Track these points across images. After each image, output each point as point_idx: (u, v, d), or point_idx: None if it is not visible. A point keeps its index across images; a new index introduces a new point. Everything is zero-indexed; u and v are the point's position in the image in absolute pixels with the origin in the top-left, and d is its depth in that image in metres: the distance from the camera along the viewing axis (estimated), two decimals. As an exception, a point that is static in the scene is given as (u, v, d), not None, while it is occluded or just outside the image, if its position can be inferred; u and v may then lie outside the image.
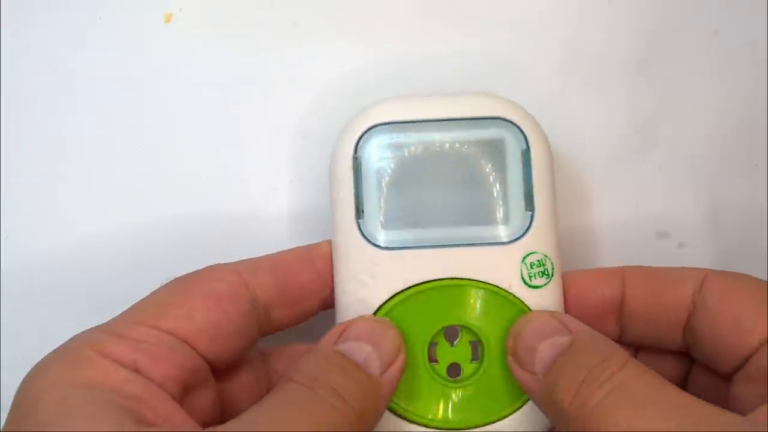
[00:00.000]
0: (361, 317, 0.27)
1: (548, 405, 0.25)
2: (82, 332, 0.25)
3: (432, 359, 0.27)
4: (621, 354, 0.24)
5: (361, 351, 0.25)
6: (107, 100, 0.33)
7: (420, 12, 0.33)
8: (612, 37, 0.33)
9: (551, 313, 0.26)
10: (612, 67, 0.33)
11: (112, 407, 0.22)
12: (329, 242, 0.28)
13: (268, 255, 0.27)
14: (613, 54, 0.33)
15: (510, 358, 0.26)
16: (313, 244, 0.28)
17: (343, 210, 0.28)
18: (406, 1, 0.33)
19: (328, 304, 0.28)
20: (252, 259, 0.27)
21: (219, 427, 0.22)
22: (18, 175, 0.32)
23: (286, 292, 0.27)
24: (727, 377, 0.26)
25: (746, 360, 0.25)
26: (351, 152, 0.28)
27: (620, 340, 0.28)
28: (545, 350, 0.25)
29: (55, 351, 0.24)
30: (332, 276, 0.28)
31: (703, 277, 0.26)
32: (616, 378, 0.23)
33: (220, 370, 0.26)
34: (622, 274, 0.28)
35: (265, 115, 0.33)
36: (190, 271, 0.27)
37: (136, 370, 0.23)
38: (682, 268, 0.27)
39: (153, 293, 0.26)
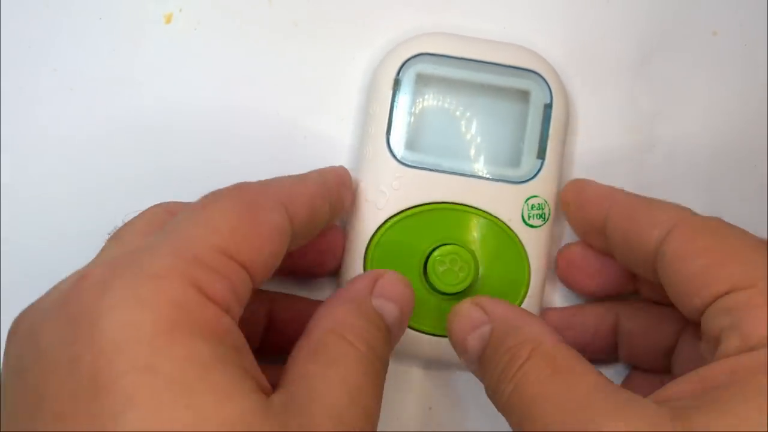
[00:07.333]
0: (395, 274, 0.27)
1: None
2: (146, 249, 0.22)
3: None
4: (529, 343, 0.24)
5: (392, 313, 0.26)
6: (107, 100, 0.33)
7: (419, 14, 0.33)
8: (611, 37, 0.34)
9: (474, 302, 0.27)
10: (611, 67, 0.33)
11: (240, 370, 0.21)
12: (337, 173, 0.29)
13: (296, 183, 0.27)
14: (612, 54, 0.33)
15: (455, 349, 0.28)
16: (322, 176, 0.28)
17: (376, 124, 0.30)
18: (405, 2, 0.33)
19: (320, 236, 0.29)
20: (283, 185, 0.26)
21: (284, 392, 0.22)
22: (18, 175, 0.32)
23: (309, 226, 0.26)
24: None
25: (699, 318, 0.25)
26: (394, 74, 0.30)
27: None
28: (473, 343, 0.26)
29: (132, 276, 0.20)
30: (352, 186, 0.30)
31: (672, 225, 0.26)
32: (519, 374, 0.24)
33: None
34: (612, 200, 0.29)
35: (265, 115, 0.33)
36: (231, 187, 0.25)
37: (227, 313, 0.22)
38: (662, 207, 0.27)
39: (212, 206, 0.24)
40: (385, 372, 0.25)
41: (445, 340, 0.30)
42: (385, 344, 0.25)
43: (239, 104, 0.33)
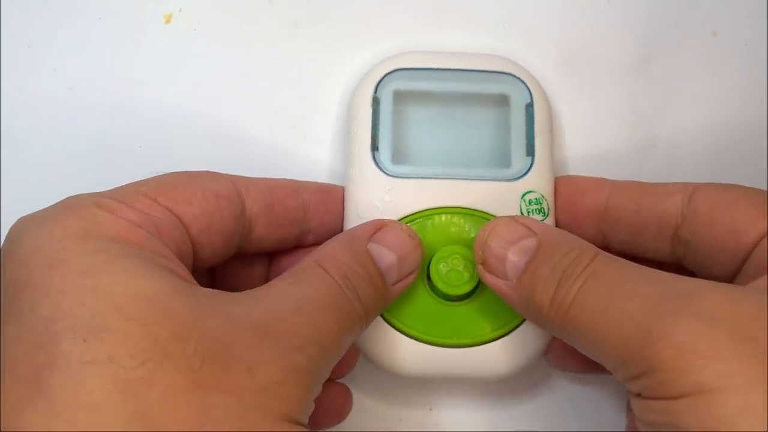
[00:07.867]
0: (399, 224, 0.28)
1: (527, 308, 0.25)
2: (74, 196, 0.24)
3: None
4: (590, 248, 0.24)
5: (387, 258, 0.26)
6: (107, 100, 0.33)
7: (419, 12, 0.33)
8: (611, 37, 0.34)
9: (514, 218, 0.27)
10: (611, 68, 0.33)
11: (158, 266, 0.21)
12: (316, 182, 0.30)
13: (260, 177, 0.28)
14: (612, 54, 0.33)
15: (479, 266, 0.27)
16: (301, 180, 0.29)
17: (360, 143, 0.30)
18: (405, 1, 0.33)
19: (305, 238, 0.29)
20: (246, 176, 0.28)
21: (260, 291, 0.23)
22: (18, 175, 0.32)
23: (271, 212, 0.27)
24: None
25: (744, 260, 0.25)
26: (371, 92, 0.30)
27: (605, 247, 0.28)
28: (514, 256, 0.25)
29: (50, 210, 0.23)
30: (342, 205, 0.30)
31: (693, 189, 0.27)
32: (589, 269, 0.23)
33: (200, 265, 0.26)
34: (612, 184, 0.29)
35: (265, 115, 0.33)
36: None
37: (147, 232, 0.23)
38: (673, 183, 0.28)
39: (153, 177, 0.25)
40: (364, 318, 0.25)
41: (457, 351, 0.29)
42: (369, 285, 0.25)
43: (239, 104, 0.33)
